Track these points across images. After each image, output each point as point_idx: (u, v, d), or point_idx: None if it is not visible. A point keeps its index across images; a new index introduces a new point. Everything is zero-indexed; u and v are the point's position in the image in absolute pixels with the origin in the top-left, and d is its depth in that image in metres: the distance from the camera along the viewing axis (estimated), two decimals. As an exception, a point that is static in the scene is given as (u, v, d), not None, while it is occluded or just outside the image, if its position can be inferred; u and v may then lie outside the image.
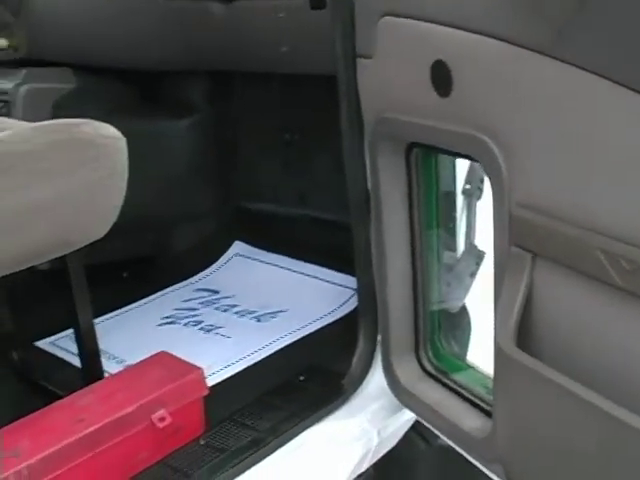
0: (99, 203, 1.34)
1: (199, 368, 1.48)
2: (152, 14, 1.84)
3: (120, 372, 1.58)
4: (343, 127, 1.46)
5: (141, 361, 1.54)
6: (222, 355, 1.81)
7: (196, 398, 1.46)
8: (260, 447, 1.46)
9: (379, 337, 1.57)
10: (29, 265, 1.30)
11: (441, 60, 1.14)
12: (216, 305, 2.09)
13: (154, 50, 1.91)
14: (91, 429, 1.32)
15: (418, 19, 1.16)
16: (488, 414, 1.32)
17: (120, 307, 2.10)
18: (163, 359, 1.52)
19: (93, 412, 1.36)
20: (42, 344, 1.91)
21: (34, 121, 1.87)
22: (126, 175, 1.39)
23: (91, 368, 1.55)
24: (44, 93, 1.95)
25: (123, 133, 2.01)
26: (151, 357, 1.53)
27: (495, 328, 1.15)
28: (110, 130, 1.36)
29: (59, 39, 1.92)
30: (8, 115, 1.92)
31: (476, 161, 1.19)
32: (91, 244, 1.40)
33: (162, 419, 1.40)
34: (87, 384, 1.50)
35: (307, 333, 1.88)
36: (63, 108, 1.96)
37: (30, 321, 1.89)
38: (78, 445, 1.30)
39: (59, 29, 1.90)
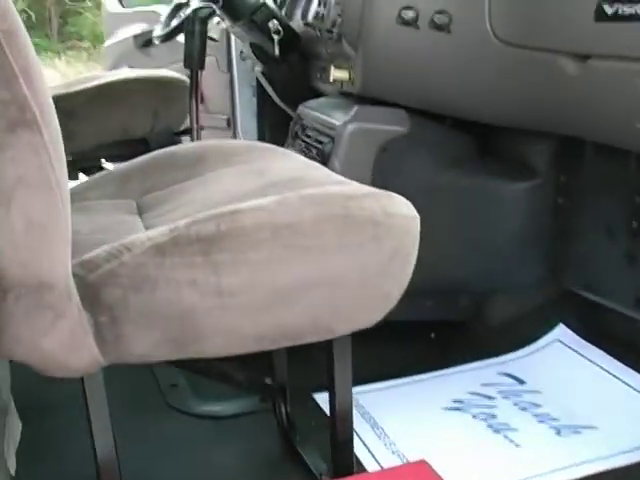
0: (372, 290, 1.15)
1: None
2: (497, 62, 1.61)
3: (363, 476, 1.39)
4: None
5: (392, 468, 1.34)
6: (502, 470, 1.54)
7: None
8: None
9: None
10: (284, 345, 1.16)
11: None
12: (517, 399, 1.81)
13: (495, 102, 1.68)
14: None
15: None
16: None
17: (417, 372, 1.93)
18: (419, 472, 1.29)
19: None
20: (319, 398, 1.79)
21: (357, 162, 1.79)
22: (413, 260, 1.19)
23: (340, 450, 1.36)
24: (372, 134, 1.81)
25: (451, 186, 1.85)
26: (406, 465, 1.33)
27: None
28: (402, 207, 1.16)
29: (394, 79, 1.78)
30: (330, 153, 1.82)
31: None
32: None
33: None
34: (334, 465, 1.34)
35: (612, 467, 1.54)
36: (391, 152, 1.82)
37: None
38: None
39: (395, 69, 1.76)
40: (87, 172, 2.44)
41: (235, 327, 1.06)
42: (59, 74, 17.80)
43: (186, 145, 1.57)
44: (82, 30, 13.67)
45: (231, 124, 3.09)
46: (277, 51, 2.40)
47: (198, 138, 2.15)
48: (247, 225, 1.02)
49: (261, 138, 3.10)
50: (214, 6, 2.13)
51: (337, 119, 1.86)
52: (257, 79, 2.84)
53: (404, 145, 1.83)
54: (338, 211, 1.07)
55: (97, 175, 1.52)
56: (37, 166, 0.92)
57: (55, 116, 0.97)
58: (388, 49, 1.74)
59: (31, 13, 19.64)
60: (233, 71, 3.05)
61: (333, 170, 1.79)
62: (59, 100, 2.29)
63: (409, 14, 1.67)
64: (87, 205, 1.42)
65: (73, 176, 2.38)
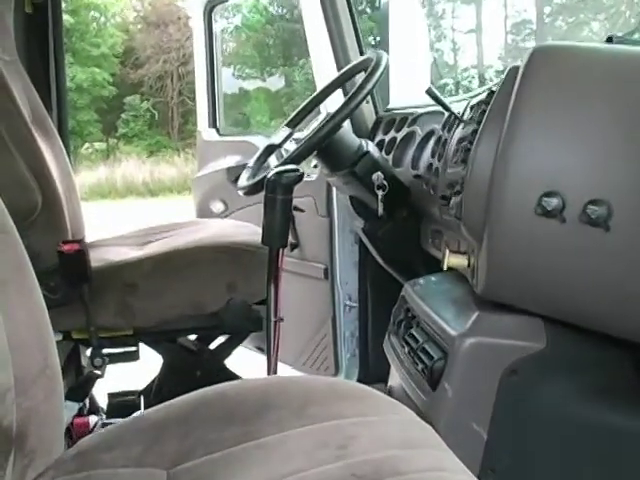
0: None
1: None
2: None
3: None
4: None
5: None
6: None
7: None
8: None
9: None
10: None
11: None
12: None
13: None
14: None
15: None
16: None
17: None
18: None
19: None
20: None
21: (476, 388, 1.36)
22: None
23: None
24: (498, 351, 1.37)
25: (600, 423, 1.38)
26: None
27: None
28: None
29: (530, 282, 1.34)
30: (441, 373, 1.38)
31: None
32: None
33: None
34: None
35: None
36: (521, 375, 1.37)
37: None
38: None
39: (532, 270, 1.33)
40: (153, 346, 2.07)
41: None
42: (176, 170, 18.18)
43: (246, 383, 1.16)
44: (201, 129, 13.83)
45: (329, 275, 2.70)
46: (381, 209, 2.01)
47: (275, 340, 1.73)
48: None
49: (362, 292, 2.70)
50: (304, 169, 1.75)
51: (452, 325, 1.43)
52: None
53: (539, 366, 1.37)
54: None
55: (122, 423, 1.12)
56: None
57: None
58: (523, 246, 1.31)
59: (154, 112, 20.30)
60: (333, 215, 2.68)
61: (444, 397, 1.37)
62: (118, 270, 1.96)
63: (553, 202, 1.25)
64: (99, 475, 1.03)
65: (133, 355, 2.01)
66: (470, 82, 16.40)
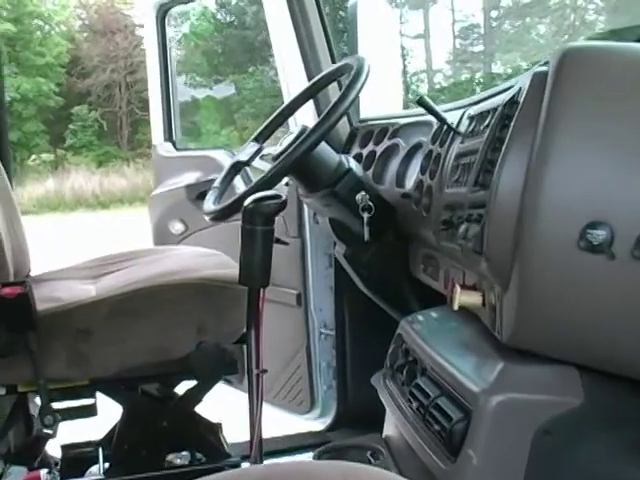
0: None
1: None
2: None
3: None
4: None
5: None
6: None
7: None
8: None
9: None
10: None
11: None
12: None
13: None
14: None
15: None
16: None
17: None
18: None
19: None
20: None
21: (504, 454, 1.14)
22: None
23: None
24: (529, 409, 1.16)
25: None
26: None
27: None
28: None
29: (569, 329, 1.13)
30: (463, 438, 1.16)
31: None
32: None
33: None
34: None
35: None
36: (556, 435, 1.16)
37: None
38: None
39: (572, 315, 1.12)
40: (111, 395, 1.80)
41: None
42: (126, 181, 17.82)
43: (243, 475, 0.92)
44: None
45: (302, 301, 2.48)
46: (367, 233, 1.78)
47: (259, 395, 1.48)
48: None
49: (339, 319, 2.47)
50: (285, 195, 1.51)
51: (472, 379, 1.21)
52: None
53: (576, 424, 1.16)
54: None
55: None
56: None
57: None
58: (562, 286, 1.09)
59: (103, 122, 19.85)
60: (305, 236, 2.45)
61: (468, 466, 1.15)
62: (69, 314, 1.69)
63: (599, 235, 1.04)
64: None
65: (90, 410, 1.74)
66: (418, 87, 16.40)
